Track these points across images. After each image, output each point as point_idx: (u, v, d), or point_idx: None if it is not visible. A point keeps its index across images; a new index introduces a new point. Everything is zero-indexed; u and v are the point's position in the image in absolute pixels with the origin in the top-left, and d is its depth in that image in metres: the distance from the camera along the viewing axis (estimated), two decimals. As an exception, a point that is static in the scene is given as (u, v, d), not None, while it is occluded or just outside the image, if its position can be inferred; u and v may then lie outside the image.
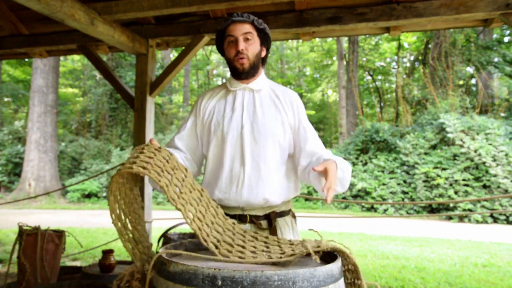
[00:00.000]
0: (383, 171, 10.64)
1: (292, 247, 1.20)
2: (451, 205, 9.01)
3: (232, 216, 1.55)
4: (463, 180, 9.20)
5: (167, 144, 1.66)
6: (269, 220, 1.55)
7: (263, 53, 1.62)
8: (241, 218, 1.54)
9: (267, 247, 1.22)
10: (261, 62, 1.62)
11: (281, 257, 1.11)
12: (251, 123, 1.54)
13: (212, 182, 1.57)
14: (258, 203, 1.52)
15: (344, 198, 10.61)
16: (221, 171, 1.53)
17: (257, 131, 1.52)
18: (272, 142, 1.53)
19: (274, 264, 1.11)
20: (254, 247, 1.20)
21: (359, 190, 10.49)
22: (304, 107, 1.65)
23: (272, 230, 1.54)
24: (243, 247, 1.19)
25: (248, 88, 1.59)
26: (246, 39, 1.53)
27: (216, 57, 23.54)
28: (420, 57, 16.74)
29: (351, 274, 1.20)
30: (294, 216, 1.68)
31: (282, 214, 1.60)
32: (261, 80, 1.61)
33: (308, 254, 1.11)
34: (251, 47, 1.54)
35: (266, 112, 1.56)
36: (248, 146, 1.52)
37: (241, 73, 1.54)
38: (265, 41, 1.61)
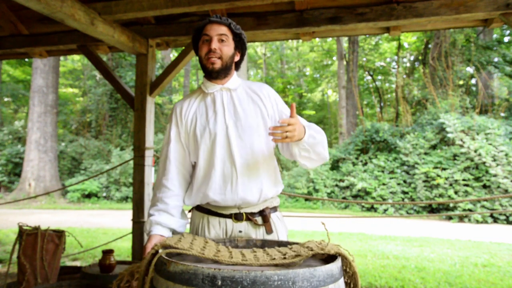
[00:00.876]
0: (383, 171, 10.63)
1: (293, 250, 1.20)
2: (451, 205, 9.01)
3: (228, 216, 1.58)
4: (463, 180, 9.19)
5: (163, 165, 1.62)
6: (263, 216, 1.59)
7: (237, 58, 1.65)
8: (237, 217, 1.57)
9: (268, 254, 1.22)
10: (234, 65, 1.65)
11: (285, 258, 1.11)
12: (234, 122, 1.57)
13: (204, 186, 1.57)
14: (253, 198, 1.55)
15: (344, 198, 10.61)
16: (213, 173, 1.55)
17: (241, 129, 1.56)
18: (257, 136, 1.57)
19: (277, 265, 1.11)
20: (255, 255, 1.21)
21: (359, 190, 10.49)
22: (279, 96, 1.69)
23: (268, 225, 1.59)
24: (243, 255, 1.19)
25: (224, 88, 1.61)
26: (221, 40, 1.55)
27: (216, 57, 23.48)
28: (420, 57, 16.74)
29: (349, 277, 1.21)
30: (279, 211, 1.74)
31: (274, 209, 1.65)
32: (235, 80, 1.64)
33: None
34: (224, 48, 1.56)
35: (246, 108, 1.59)
36: (235, 144, 1.55)
37: (211, 72, 1.56)
38: (240, 46, 1.64)
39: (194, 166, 1.65)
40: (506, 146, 9.00)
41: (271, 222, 1.61)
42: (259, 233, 1.58)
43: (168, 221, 1.54)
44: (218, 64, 1.54)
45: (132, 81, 13.67)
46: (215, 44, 1.53)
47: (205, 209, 1.62)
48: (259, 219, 1.59)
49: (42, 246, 2.26)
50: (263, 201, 1.59)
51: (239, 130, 1.55)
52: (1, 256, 4.69)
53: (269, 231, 1.58)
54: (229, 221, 1.58)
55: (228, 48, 1.57)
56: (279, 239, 1.61)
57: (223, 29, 1.56)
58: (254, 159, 1.55)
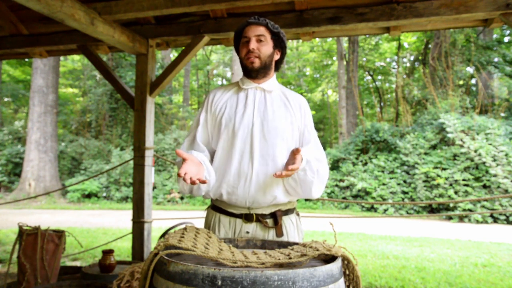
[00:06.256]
0: (383, 171, 10.63)
1: (296, 250, 1.20)
2: (451, 205, 9.01)
3: (239, 216, 1.58)
4: (463, 180, 9.19)
5: (188, 142, 1.67)
6: (274, 219, 1.57)
7: (277, 56, 1.68)
8: (247, 217, 1.57)
9: (270, 255, 1.22)
10: (274, 65, 1.68)
11: (290, 258, 1.11)
12: (261, 121, 1.58)
13: (219, 177, 1.58)
14: (265, 200, 1.54)
15: (344, 198, 10.61)
16: (230, 166, 1.56)
17: (266, 129, 1.57)
18: (280, 140, 1.57)
19: (282, 265, 1.10)
20: (258, 257, 1.21)
21: (359, 190, 10.48)
22: (311, 113, 1.70)
23: (278, 228, 1.57)
24: (245, 257, 1.19)
25: (259, 88, 1.64)
26: (259, 40, 1.60)
27: (216, 57, 23.53)
28: (420, 57, 16.74)
29: (350, 281, 1.20)
30: (298, 214, 1.71)
31: (287, 212, 1.62)
32: (272, 82, 1.67)
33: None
34: (263, 48, 1.60)
35: (276, 111, 1.61)
36: (257, 143, 1.55)
37: (251, 70, 1.60)
38: (279, 45, 1.67)
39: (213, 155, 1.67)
40: (506, 146, 8.99)
41: (283, 225, 1.59)
42: (268, 236, 1.57)
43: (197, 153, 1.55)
44: (257, 63, 1.59)
45: (132, 81, 13.66)
46: (253, 45, 1.58)
47: (217, 208, 1.63)
48: (270, 221, 1.58)
49: (42, 246, 2.26)
50: (275, 204, 1.58)
51: (264, 130, 1.56)
52: (1, 256, 4.69)
53: (279, 234, 1.56)
54: (239, 221, 1.58)
55: (266, 47, 1.61)
56: None
57: (261, 30, 1.61)
58: (273, 161, 1.55)
